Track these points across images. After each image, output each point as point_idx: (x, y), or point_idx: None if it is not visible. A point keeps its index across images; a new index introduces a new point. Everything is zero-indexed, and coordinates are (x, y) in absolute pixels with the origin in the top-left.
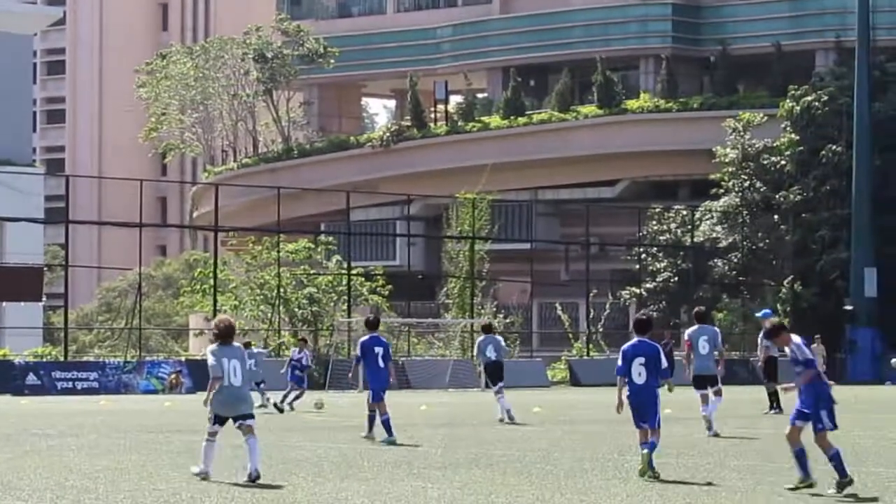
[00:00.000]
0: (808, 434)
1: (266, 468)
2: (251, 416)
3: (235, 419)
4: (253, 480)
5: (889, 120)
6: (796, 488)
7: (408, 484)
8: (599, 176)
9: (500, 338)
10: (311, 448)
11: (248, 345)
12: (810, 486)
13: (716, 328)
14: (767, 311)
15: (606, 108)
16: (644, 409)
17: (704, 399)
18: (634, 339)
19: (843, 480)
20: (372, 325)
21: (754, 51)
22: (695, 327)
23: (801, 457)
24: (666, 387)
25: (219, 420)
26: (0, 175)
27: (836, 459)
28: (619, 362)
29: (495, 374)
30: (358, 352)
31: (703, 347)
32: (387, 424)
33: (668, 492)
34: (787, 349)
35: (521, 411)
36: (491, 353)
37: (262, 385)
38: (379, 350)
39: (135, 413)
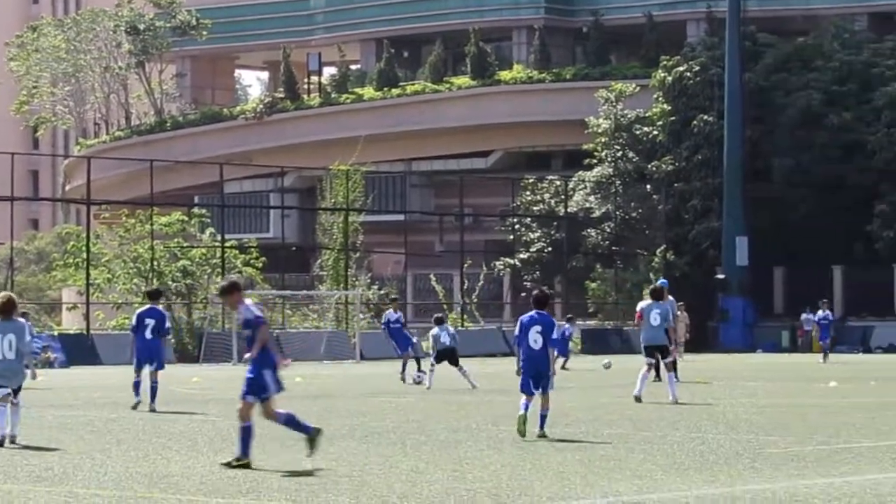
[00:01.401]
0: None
1: (141, 441)
2: (20, 390)
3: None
4: (12, 442)
5: (760, 90)
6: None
7: (283, 457)
8: (473, 147)
9: (451, 327)
10: (185, 421)
11: (24, 315)
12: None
13: (668, 304)
14: (664, 280)
15: (480, 79)
16: (539, 374)
17: (651, 367)
18: (532, 312)
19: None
20: (151, 296)
21: (626, 22)
22: (648, 302)
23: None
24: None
25: None
26: None
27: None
28: (517, 332)
29: (452, 358)
30: (133, 321)
31: (654, 319)
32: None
33: (541, 461)
34: None
35: (395, 382)
36: (446, 340)
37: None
38: (150, 322)
39: None
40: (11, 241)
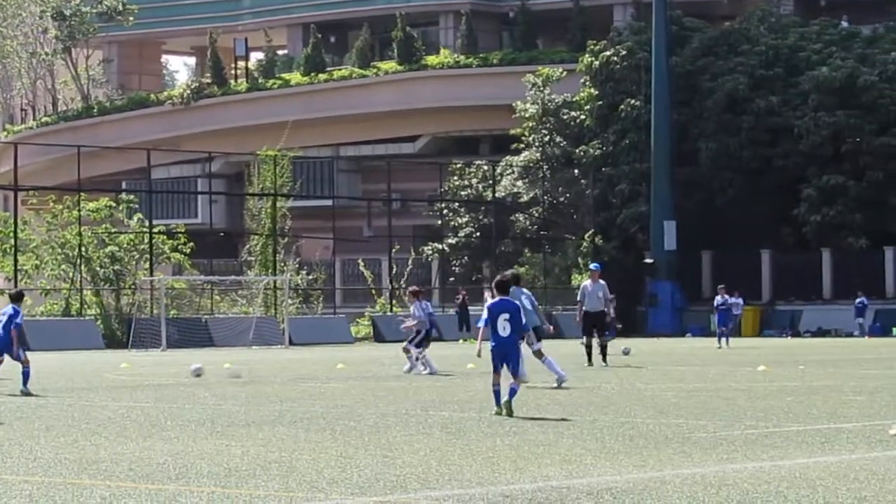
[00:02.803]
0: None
1: (70, 428)
2: None
3: None
4: None
5: (686, 74)
6: None
7: (211, 442)
8: (400, 132)
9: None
10: (114, 408)
11: (20, 295)
12: None
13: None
14: (597, 263)
15: (407, 64)
16: (509, 359)
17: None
18: (497, 298)
19: None
20: (13, 298)
21: (553, 6)
22: (588, 281)
23: None
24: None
25: None
26: None
27: None
28: (485, 315)
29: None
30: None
31: (594, 295)
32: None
33: (470, 446)
34: None
35: (324, 368)
36: (420, 315)
37: None
38: (2, 318)
39: None
40: None
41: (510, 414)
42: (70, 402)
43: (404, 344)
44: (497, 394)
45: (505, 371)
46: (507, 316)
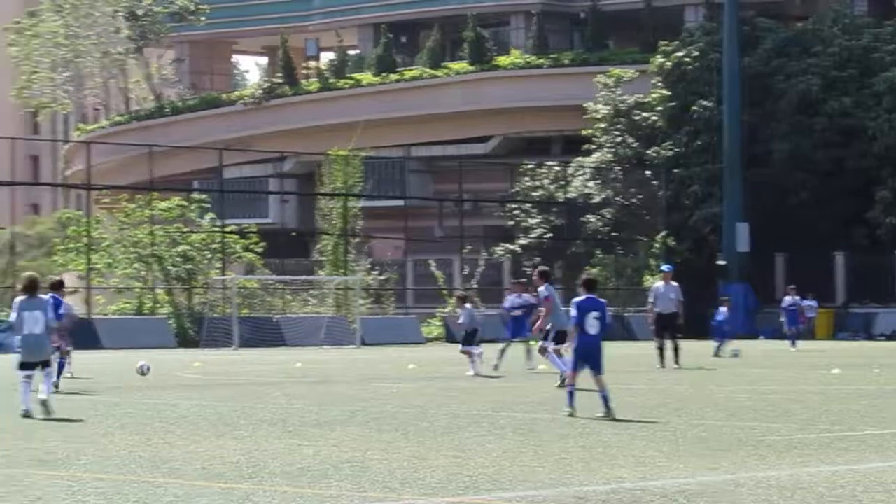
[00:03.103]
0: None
1: (142, 426)
2: (48, 364)
3: (42, 365)
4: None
5: (758, 75)
6: None
7: (283, 441)
8: (472, 132)
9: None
10: (186, 406)
11: (60, 283)
12: None
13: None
14: (669, 265)
15: (477, 64)
16: (594, 358)
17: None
18: (585, 296)
19: None
20: (53, 287)
21: (624, 6)
22: (660, 283)
23: None
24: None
25: (28, 366)
26: None
27: None
28: (574, 313)
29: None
30: None
31: (667, 297)
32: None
33: (543, 448)
34: None
35: (395, 368)
36: (465, 320)
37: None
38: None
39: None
40: (12, 226)
41: (614, 418)
42: (143, 400)
43: (541, 343)
44: (571, 394)
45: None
46: (596, 314)
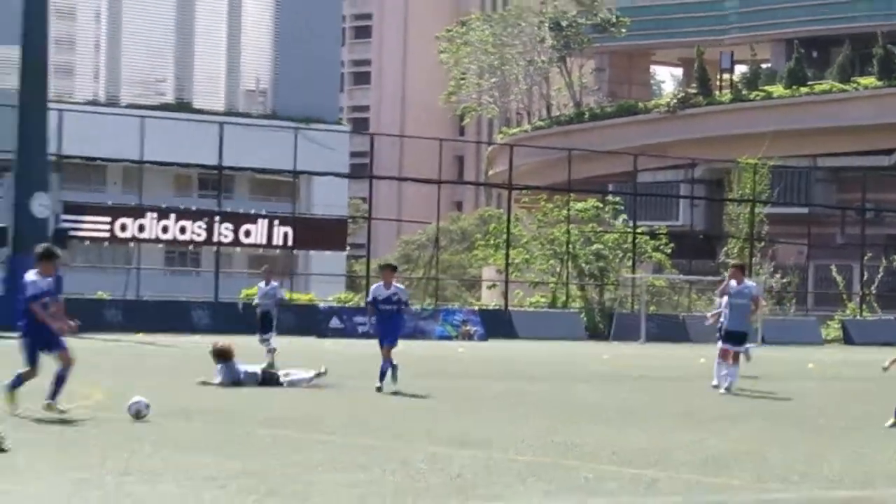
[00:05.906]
0: None
1: (552, 412)
2: None
3: None
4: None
5: None
6: None
7: (687, 433)
8: (876, 145)
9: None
10: (595, 396)
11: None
12: None
13: None
14: None
15: (886, 79)
16: None
17: None
18: None
19: None
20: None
21: None
22: None
23: None
24: None
25: None
26: (310, 132)
27: None
28: None
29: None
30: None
31: None
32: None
33: None
34: None
35: (795, 367)
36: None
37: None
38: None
39: (433, 359)
40: (438, 221)
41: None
42: (551, 388)
43: None
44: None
45: None
46: None
